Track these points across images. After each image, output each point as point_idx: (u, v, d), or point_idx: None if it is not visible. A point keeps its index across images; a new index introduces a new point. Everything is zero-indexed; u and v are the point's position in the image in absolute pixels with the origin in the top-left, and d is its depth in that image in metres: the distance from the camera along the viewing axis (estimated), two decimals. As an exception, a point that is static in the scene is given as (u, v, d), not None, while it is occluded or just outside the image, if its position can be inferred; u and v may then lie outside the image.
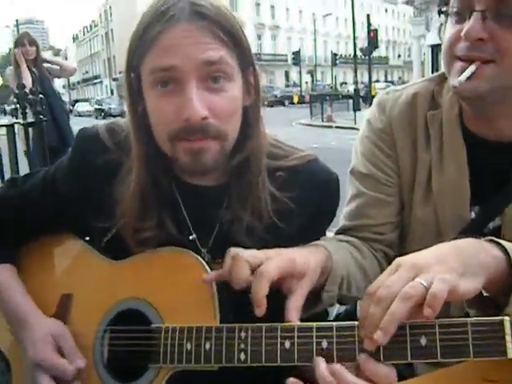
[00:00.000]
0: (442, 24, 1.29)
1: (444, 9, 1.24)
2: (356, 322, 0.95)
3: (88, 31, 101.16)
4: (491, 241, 1.04)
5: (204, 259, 1.17)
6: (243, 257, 1.04)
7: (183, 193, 1.24)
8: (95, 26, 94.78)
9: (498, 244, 1.03)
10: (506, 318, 0.87)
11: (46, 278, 1.33)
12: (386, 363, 0.92)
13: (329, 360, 0.95)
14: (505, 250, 1.01)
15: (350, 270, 1.25)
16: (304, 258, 1.10)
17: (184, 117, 1.07)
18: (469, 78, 1.16)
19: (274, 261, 1.04)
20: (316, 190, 1.28)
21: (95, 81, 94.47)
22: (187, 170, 1.18)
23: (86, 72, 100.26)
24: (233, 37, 1.12)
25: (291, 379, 0.96)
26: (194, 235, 1.23)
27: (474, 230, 1.31)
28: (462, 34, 1.14)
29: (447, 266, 0.93)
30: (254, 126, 1.22)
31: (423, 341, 0.90)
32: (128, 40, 1.16)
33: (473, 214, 1.32)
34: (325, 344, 0.96)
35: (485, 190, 1.30)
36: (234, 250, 1.06)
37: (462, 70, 1.17)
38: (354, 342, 0.94)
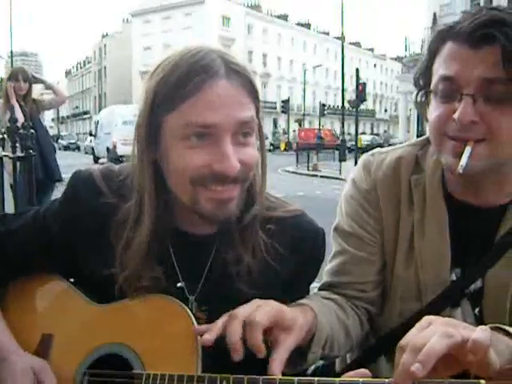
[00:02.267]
0: (422, 100, 1.35)
1: (428, 89, 1.29)
2: (337, 379, 0.98)
3: (81, 67, 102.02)
4: (499, 329, 1.07)
5: (190, 307, 1.19)
6: (239, 315, 1.07)
7: (175, 242, 1.26)
8: (89, 63, 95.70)
9: (506, 331, 1.06)
10: (482, 382, 0.91)
11: (27, 316, 1.32)
12: None
13: None
14: None
15: (333, 330, 1.28)
16: (293, 313, 1.13)
17: (218, 170, 1.11)
18: (456, 157, 1.21)
19: (264, 309, 1.08)
20: (303, 243, 1.31)
21: (84, 116, 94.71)
22: (209, 218, 1.19)
23: (77, 107, 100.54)
24: (256, 94, 1.18)
25: None
26: (182, 283, 1.25)
27: (454, 291, 1.34)
28: (455, 117, 1.19)
29: (485, 330, 0.95)
30: (263, 181, 1.26)
31: None
32: (149, 86, 1.16)
33: (454, 276, 1.36)
34: None
35: (466, 253, 1.35)
36: (242, 314, 1.08)
37: (455, 150, 1.22)
38: None
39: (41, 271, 1.35)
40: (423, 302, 1.37)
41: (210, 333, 1.06)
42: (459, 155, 1.21)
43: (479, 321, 1.32)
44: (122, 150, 24.64)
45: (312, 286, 1.42)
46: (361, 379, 0.98)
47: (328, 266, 1.48)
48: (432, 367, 0.90)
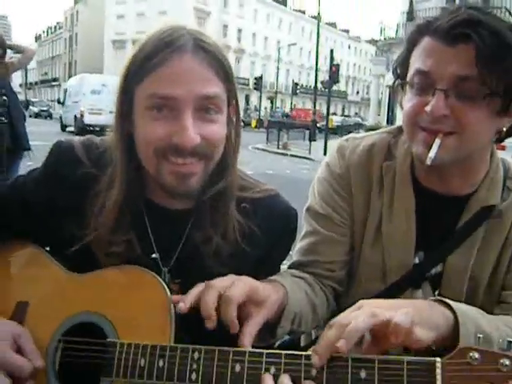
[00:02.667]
0: (398, 88, 1.40)
1: (405, 80, 1.34)
2: (303, 353, 1.03)
3: (52, 32, 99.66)
4: (441, 301, 1.15)
5: (164, 278, 1.23)
6: (215, 286, 1.11)
7: (151, 214, 1.30)
8: (60, 28, 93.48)
9: (447, 304, 1.13)
10: (438, 359, 0.96)
11: (2, 284, 1.34)
12: None
13: None
14: (453, 311, 1.12)
15: (302, 307, 1.33)
16: (266, 289, 1.18)
17: (176, 141, 1.15)
18: (426, 148, 1.27)
19: (239, 285, 1.12)
20: (276, 223, 1.36)
21: (53, 83, 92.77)
22: (170, 191, 1.23)
23: (46, 73, 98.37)
24: (226, 74, 1.21)
25: None
26: (157, 254, 1.29)
27: (416, 274, 1.41)
28: (427, 110, 1.25)
29: (406, 313, 1.02)
30: (233, 157, 1.30)
31: (363, 374, 0.98)
32: (125, 62, 1.22)
33: (417, 260, 1.43)
34: (273, 370, 1.02)
35: (430, 238, 1.42)
36: (204, 283, 1.13)
37: (426, 141, 1.28)
38: (300, 371, 1.01)
39: (16, 239, 1.37)
40: (387, 283, 1.44)
41: (185, 301, 1.10)
42: (429, 146, 1.27)
43: None
44: (89, 118, 24.58)
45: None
46: None
47: (298, 246, 1.54)
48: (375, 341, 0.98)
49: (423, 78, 1.28)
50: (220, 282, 1.13)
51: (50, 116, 29.92)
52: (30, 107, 49.54)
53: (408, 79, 1.33)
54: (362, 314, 1.00)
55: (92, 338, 1.17)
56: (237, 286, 1.12)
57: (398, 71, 1.40)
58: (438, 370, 0.95)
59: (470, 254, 1.39)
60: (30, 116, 44.78)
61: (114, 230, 1.24)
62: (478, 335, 1.01)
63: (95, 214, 1.25)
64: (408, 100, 1.33)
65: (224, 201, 1.29)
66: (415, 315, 1.03)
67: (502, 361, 0.93)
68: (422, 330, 1.02)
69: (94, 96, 25.06)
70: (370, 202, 1.48)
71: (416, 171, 1.45)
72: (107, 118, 20.07)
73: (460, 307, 1.14)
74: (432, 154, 1.26)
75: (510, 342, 0.95)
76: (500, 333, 1.17)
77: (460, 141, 1.28)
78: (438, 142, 1.26)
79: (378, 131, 1.59)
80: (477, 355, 0.94)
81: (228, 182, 1.29)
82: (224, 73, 1.21)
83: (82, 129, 23.14)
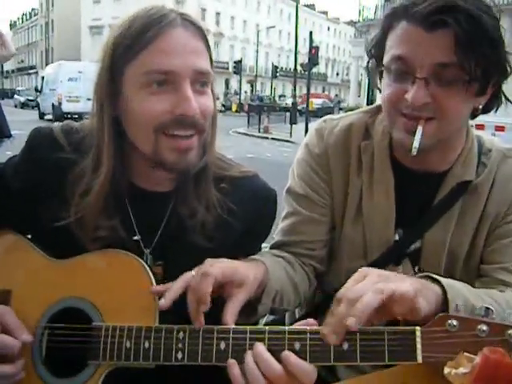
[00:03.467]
0: (374, 68, 1.41)
1: (381, 65, 1.35)
2: (286, 327, 1.05)
3: (27, 19, 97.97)
4: (429, 277, 1.17)
5: (146, 260, 1.25)
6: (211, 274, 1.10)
7: (132, 196, 1.30)
8: (35, 15, 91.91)
9: (435, 280, 1.15)
10: (418, 328, 1.00)
11: (-16, 272, 1.33)
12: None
13: None
14: (442, 286, 1.14)
15: (283, 285, 1.35)
16: (245, 270, 1.19)
17: (179, 112, 1.16)
18: (414, 135, 1.28)
19: (218, 265, 1.13)
20: (255, 203, 1.37)
21: (30, 71, 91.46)
22: (169, 168, 1.23)
23: (22, 61, 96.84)
24: (209, 47, 1.25)
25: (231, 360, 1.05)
26: (138, 236, 1.30)
27: (397, 250, 1.44)
28: (408, 99, 1.26)
29: (411, 283, 1.04)
30: (212, 133, 1.31)
31: (345, 346, 1.01)
32: (108, 42, 1.21)
33: (397, 236, 1.45)
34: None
35: (409, 215, 1.44)
36: (186, 276, 1.13)
37: (407, 127, 1.30)
38: (283, 345, 1.03)
39: None
40: (368, 260, 1.46)
41: (166, 299, 1.11)
42: (411, 133, 1.29)
43: None
44: (67, 106, 24.77)
45: (262, 246, 1.49)
46: (308, 327, 1.05)
47: (280, 227, 1.56)
48: (375, 307, 0.99)
49: (401, 64, 1.28)
50: (198, 267, 1.13)
51: (38, 106, 29.12)
52: (16, 96, 47.64)
53: (385, 64, 1.33)
54: (369, 291, 1.00)
55: (77, 323, 1.17)
56: (215, 265, 1.13)
57: (373, 52, 1.40)
58: (418, 339, 0.99)
59: (448, 229, 1.42)
60: (16, 106, 42.99)
61: (100, 215, 1.24)
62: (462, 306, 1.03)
63: (78, 198, 1.25)
64: (386, 85, 1.34)
65: (205, 176, 1.31)
66: (417, 286, 1.05)
67: (479, 327, 0.96)
68: (423, 301, 1.04)
69: (72, 83, 25.11)
70: (350, 181, 1.49)
71: (394, 150, 1.47)
72: (85, 105, 20.28)
73: (448, 282, 1.16)
74: (416, 143, 1.28)
75: (487, 308, 0.98)
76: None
77: (440, 125, 1.30)
78: (420, 129, 1.28)
79: (355, 111, 1.61)
80: (455, 322, 0.98)
81: (208, 158, 1.31)
82: (208, 47, 1.24)
83: (61, 116, 23.14)
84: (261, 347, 1.03)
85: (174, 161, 1.21)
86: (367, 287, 1.02)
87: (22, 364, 1.16)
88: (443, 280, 1.15)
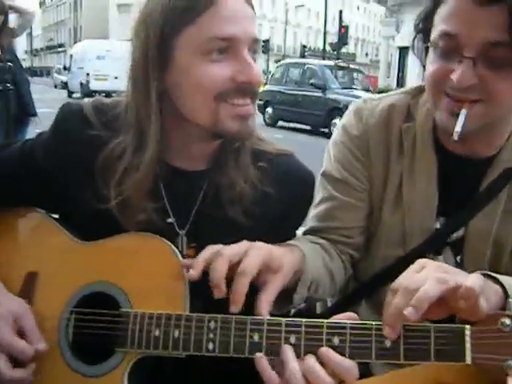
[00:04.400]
0: (419, 45, 1.34)
1: (427, 40, 1.27)
2: (324, 320, 1.00)
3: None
4: (487, 275, 1.09)
5: (181, 242, 1.21)
6: (225, 254, 1.06)
7: (164, 175, 1.25)
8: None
9: (494, 278, 1.09)
10: (467, 327, 0.93)
11: (11, 254, 1.31)
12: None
13: (296, 355, 0.99)
14: (502, 285, 1.07)
15: (319, 273, 1.30)
16: (281, 255, 1.14)
17: (242, 79, 1.13)
18: (457, 117, 1.20)
19: (253, 256, 1.07)
20: (293, 185, 1.32)
21: (59, 49, 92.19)
22: (230, 136, 1.20)
23: (51, 39, 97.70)
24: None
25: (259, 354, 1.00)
26: (172, 219, 1.25)
27: (437, 239, 1.37)
28: (454, 79, 1.17)
29: (478, 277, 0.98)
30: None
31: (388, 343, 0.96)
32: (152, 9, 1.14)
33: (438, 225, 1.39)
34: (293, 339, 1.00)
35: (451, 203, 1.37)
36: (215, 247, 1.08)
37: (450, 109, 1.22)
38: (321, 340, 0.99)
39: (25, 207, 1.33)
40: (406, 248, 1.40)
41: (195, 267, 1.06)
42: (454, 114, 1.21)
43: (460, 268, 1.36)
44: (94, 84, 24.99)
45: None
46: (348, 321, 1.00)
47: (314, 211, 1.49)
48: (436, 298, 0.93)
49: (449, 41, 1.20)
50: (231, 250, 1.08)
51: (66, 84, 29.15)
52: (56, 75, 46.84)
53: (432, 40, 1.25)
54: (431, 280, 0.94)
55: (105, 308, 1.14)
56: (251, 256, 1.07)
57: (420, 27, 1.32)
58: (468, 338, 0.93)
59: (493, 217, 1.34)
60: (56, 86, 43.12)
61: (144, 197, 1.20)
62: None
63: (119, 179, 1.19)
64: (432, 62, 1.26)
65: (244, 149, 1.28)
66: (481, 283, 0.97)
67: None
68: (484, 300, 0.98)
69: (99, 61, 25.41)
70: (390, 166, 1.42)
71: (438, 133, 1.39)
72: (112, 83, 20.85)
73: (508, 281, 1.09)
74: (458, 127, 1.20)
75: None
76: None
77: (486, 109, 1.21)
78: (464, 112, 1.20)
79: (396, 91, 1.53)
80: (508, 321, 0.92)
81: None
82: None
83: (88, 95, 22.93)
84: (312, 360, 0.98)
85: (237, 129, 1.17)
86: (427, 277, 0.95)
87: (32, 369, 1.14)
88: (504, 280, 1.08)
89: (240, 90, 1.14)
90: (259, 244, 1.12)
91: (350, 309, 1.38)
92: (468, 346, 0.92)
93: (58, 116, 1.30)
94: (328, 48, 31.32)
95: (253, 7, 1.20)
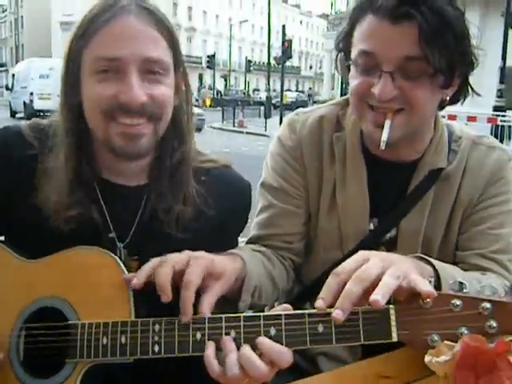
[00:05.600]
0: (342, 63, 1.42)
1: (349, 59, 1.36)
2: (261, 313, 1.06)
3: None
4: (421, 258, 1.19)
5: (119, 255, 1.25)
6: (168, 261, 1.11)
7: (105, 191, 1.30)
8: (3, 11, 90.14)
9: (427, 260, 1.18)
10: (391, 306, 1.00)
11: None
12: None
13: (237, 347, 1.04)
14: (433, 266, 1.17)
15: (261, 280, 1.35)
16: (222, 262, 1.19)
17: (123, 100, 1.16)
18: (382, 128, 1.30)
19: (196, 267, 1.11)
20: (230, 196, 1.38)
21: (0, 69, 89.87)
22: (120, 153, 1.23)
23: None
24: (171, 37, 1.23)
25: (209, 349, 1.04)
26: (113, 233, 1.30)
27: (372, 240, 1.47)
28: (375, 93, 1.27)
29: (412, 266, 1.06)
30: (188, 125, 1.32)
31: (320, 328, 1.02)
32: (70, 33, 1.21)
33: (371, 226, 1.48)
34: (233, 333, 1.05)
35: (383, 205, 1.47)
36: (158, 259, 1.13)
37: (376, 120, 1.32)
38: (259, 332, 1.04)
39: None
40: (344, 250, 1.48)
41: (138, 277, 1.10)
42: (380, 126, 1.31)
43: None
44: (38, 104, 24.23)
45: (239, 240, 1.49)
46: (283, 312, 1.05)
47: (255, 221, 1.56)
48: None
49: (368, 59, 1.30)
50: (175, 257, 1.12)
51: (9, 104, 29.14)
52: None
53: (352, 58, 1.34)
54: (388, 275, 0.99)
55: (54, 322, 1.16)
56: (193, 266, 1.11)
57: (341, 46, 1.41)
58: (393, 317, 1.00)
59: (422, 216, 1.44)
60: None
61: (67, 202, 1.24)
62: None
63: (45, 190, 1.25)
64: (354, 78, 1.35)
65: (182, 169, 1.31)
66: (419, 271, 1.05)
67: (453, 301, 0.97)
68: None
69: (43, 80, 24.74)
70: (323, 173, 1.51)
71: (365, 141, 1.49)
72: (56, 102, 19.58)
73: (438, 263, 1.18)
74: (385, 137, 1.30)
75: (460, 282, 0.99)
76: (473, 286, 1.22)
77: (408, 117, 1.32)
78: (388, 123, 1.30)
79: (326, 104, 1.62)
80: (428, 299, 0.98)
81: (185, 151, 1.31)
82: (169, 37, 1.23)
83: (33, 114, 22.19)
84: (247, 349, 1.02)
85: (124, 146, 1.21)
86: (377, 267, 1.01)
87: None
88: (435, 261, 1.17)
89: (123, 109, 1.17)
90: (201, 253, 1.16)
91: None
92: (393, 323, 0.99)
93: None
94: (273, 62, 31.57)
95: (164, 28, 1.21)
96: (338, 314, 0.98)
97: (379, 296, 0.96)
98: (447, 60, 1.25)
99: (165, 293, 1.07)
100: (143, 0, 1.22)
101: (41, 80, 24.99)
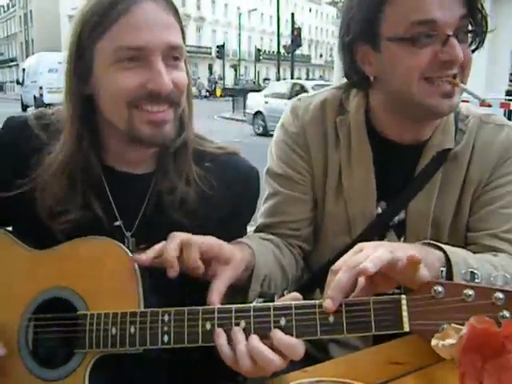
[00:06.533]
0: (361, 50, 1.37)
1: (392, 36, 1.29)
2: (271, 304, 1.05)
3: (5, 11, 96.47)
4: (432, 244, 1.17)
5: (128, 244, 1.24)
6: (177, 237, 1.11)
7: (110, 180, 1.29)
8: (13, 6, 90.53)
9: (436, 246, 1.16)
10: (403, 297, 0.99)
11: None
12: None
13: (247, 338, 1.03)
14: (444, 251, 1.15)
15: (271, 268, 1.34)
16: (231, 249, 1.18)
17: (152, 87, 1.15)
18: (450, 97, 1.28)
19: (201, 237, 1.13)
20: (238, 182, 1.36)
21: (11, 63, 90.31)
22: (146, 142, 1.22)
23: (1, 54, 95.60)
24: (180, 21, 1.22)
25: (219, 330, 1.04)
26: (120, 221, 1.29)
27: (380, 223, 1.45)
28: (455, 57, 1.24)
29: (412, 251, 1.03)
30: (190, 110, 1.30)
31: (331, 318, 1.01)
32: (76, 20, 1.19)
33: (379, 210, 1.46)
34: (243, 324, 1.04)
35: (391, 187, 1.45)
36: (180, 235, 1.12)
37: (444, 91, 1.28)
38: (269, 322, 1.03)
39: None
40: (352, 235, 1.47)
41: (148, 254, 1.11)
42: (449, 95, 1.28)
43: None
44: (48, 97, 24.52)
45: (248, 230, 1.48)
46: (293, 302, 1.04)
47: (262, 208, 1.55)
48: (368, 285, 0.99)
49: (426, 28, 1.25)
50: (182, 234, 1.13)
51: (20, 98, 30.50)
52: None
53: (402, 33, 1.27)
54: (381, 248, 1.00)
55: (62, 312, 1.16)
56: (199, 236, 1.13)
57: (361, 28, 1.34)
58: (404, 307, 0.98)
59: (431, 198, 1.42)
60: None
61: (67, 195, 1.23)
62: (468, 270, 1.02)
63: (50, 180, 1.24)
64: (410, 55, 1.27)
65: (185, 153, 1.30)
66: (422, 254, 1.04)
67: (465, 291, 0.96)
68: (425, 269, 1.03)
69: (52, 74, 25.02)
70: (328, 157, 1.49)
71: (372, 122, 1.47)
72: None
73: (449, 248, 1.17)
74: (455, 101, 1.30)
75: (472, 272, 0.98)
76: (486, 269, 1.21)
77: (461, 80, 1.30)
78: (462, 87, 1.29)
79: (327, 88, 1.60)
80: (440, 288, 0.97)
81: (187, 135, 1.30)
82: (180, 20, 1.22)
83: (43, 108, 22.83)
84: (255, 341, 1.01)
85: (150, 134, 1.20)
86: (368, 255, 1.00)
87: None
88: (445, 246, 1.16)
89: (151, 97, 1.16)
90: (210, 237, 1.17)
91: (304, 299, 1.44)
92: (405, 314, 0.98)
93: (3, 130, 1.33)
94: (282, 51, 31.47)
95: (177, 14, 1.21)
96: (328, 303, 0.99)
97: (368, 263, 0.95)
98: (484, 18, 1.27)
99: (171, 266, 1.08)
100: None
101: (50, 74, 25.22)
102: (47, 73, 25.52)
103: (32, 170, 1.25)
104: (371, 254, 0.99)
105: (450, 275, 1.12)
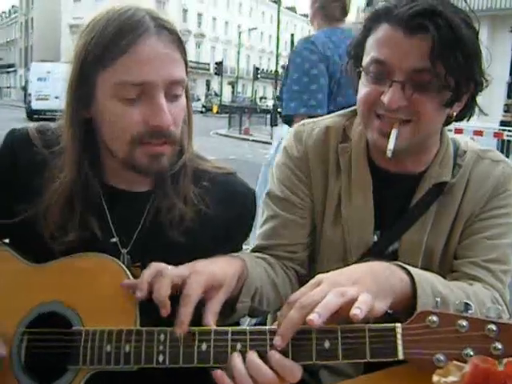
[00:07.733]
0: (352, 71, 1.42)
1: (360, 66, 1.36)
2: (266, 327, 1.05)
3: (7, 17, 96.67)
4: (398, 265, 1.19)
5: (123, 261, 1.24)
6: (168, 275, 1.10)
7: (109, 197, 1.30)
8: (15, 12, 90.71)
9: (404, 268, 1.18)
10: (398, 325, 1.00)
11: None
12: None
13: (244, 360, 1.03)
14: (410, 274, 1.16)
15: (263, 284, 1.35)
16: (223, 270, 1.19)
17: (154, 124, 1.16)
18: (388, 137, 1.30)
19: (197, 281, 1.12)
20: (235, 202, 1.37)
21: (9, 69, 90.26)
22: (142, 171, 1.23)
23: (1, 59, 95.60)
24: (185, 52, 1.23)
25: (218, 371, 1.03)
26: (116, 238, 1.29)
27: (375, 252, 1.46)
28: (384, 101, 1.28)
29: (365, 287, 1.05)
30: (189, 132, 1.32)
31: (327, 344, 1.01)
32: (78, 48, 1.18)
33: (375, 238, 1.47)
34: (239, 346, 1.05)
35: (387, 217, 1.46)
36: (158, 266, 1.13)
37: (382, 129, 1.32)
38: (265, 345, 1.03)
39: None
40: (348, 262, 1.47)
41: (140, 288, 1.10)
42: (385, 135, 1.31)
43: None
44: (36, 104, 28.01)
45: (244, 248, 1.48)
46: None
47: (260, 230, 1.56)
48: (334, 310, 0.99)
49: (380, 67, 1.30)
50: (173, 270, 1.12)
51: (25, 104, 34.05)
52: None
53: (364, 66, 1.35)
54: (331, 294, 1.00)
55: (57, 327, 1.16)
56: (193, 280, 1.11)
57: (352, 53, 1.42)
58: (399, 336, 0.99)
59: (424, 229, 1.44)
60: None
61: (67, 216, 1.24)
62: (436, 299, 1.04)
63: (47, 199, 1.24)
64: (363, 86, 1.36)
65: (184, 174, 1.32)
66: (373, 287, 1.06)
67: (459, 322, 0.97)
68: (379, 302, 1.05)
69: (40, 83, 28.08)
70: (329, 184, 1.51)
71: (371, 152, 1.49)
72: (53, 102, 23.15)
73: (416, 270, 1.18)
74: (391, 145, 1.30)
75: (466, 303, 0.99)
76: (455, 295, 1.22)
77: (416, 128, 1.32)
78: (395, 132, 1.30)
79: (332, 114, 1.62)
80: (435, 318, 0.98)
81: (187, 157, 1.32)
82: (184, 52, 1.22)
83: (31, 113, 27.36)
84: (253, 356, 1.02)
85: (147, 165, 1.21)
86: (323, 292, 1.01)
87: None
88: (412, 269, 1.18)
89: (153, 133, 1.17)
90: (201, 268, 1.16)
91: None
92: (400, 342, 0.99)
93: (4, 142, 1.33)
94: (280, 70, 31.64)
95: (181, 45, 1.21)
96: (277, 340, 1.00)
97: (314, 315, 0.96)
98: (455, 77, 1.26)
99: (163, 307, 1.07)
100: (158, 14, 1.20)
101: (39, 82, 28.16)
102: (36, 81, 28.68)
103: (34, 195, 1.25)
104: (326, 292, 1.00)
105: (414, 297, 1.14)
